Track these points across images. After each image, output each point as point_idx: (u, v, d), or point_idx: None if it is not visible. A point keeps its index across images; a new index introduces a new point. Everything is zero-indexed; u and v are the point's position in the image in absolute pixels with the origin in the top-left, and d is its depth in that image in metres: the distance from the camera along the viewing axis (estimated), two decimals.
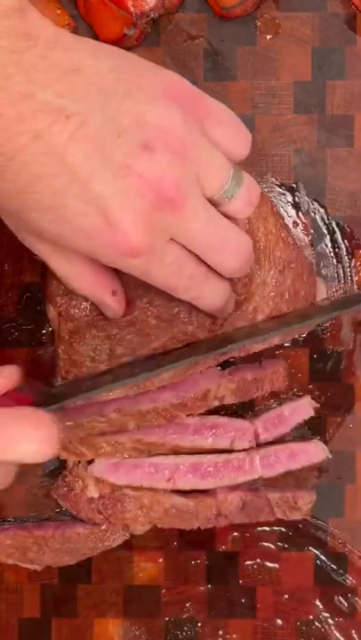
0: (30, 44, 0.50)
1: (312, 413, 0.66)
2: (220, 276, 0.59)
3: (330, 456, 0.66)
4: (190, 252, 0.56)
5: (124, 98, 0.52)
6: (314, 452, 0.65)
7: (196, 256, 0.57)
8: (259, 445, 0.65)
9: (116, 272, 0.60)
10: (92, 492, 0.64)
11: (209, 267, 0.58)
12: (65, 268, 0.59)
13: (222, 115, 0.57)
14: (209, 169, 0.55)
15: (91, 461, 0.64)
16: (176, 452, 0.64)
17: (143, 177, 0.52)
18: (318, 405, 0.66)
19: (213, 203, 0.56)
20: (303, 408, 0.66)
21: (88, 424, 0.63)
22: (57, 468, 0.67)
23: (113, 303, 0.62)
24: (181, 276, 0.57)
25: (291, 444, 0.65)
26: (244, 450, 0.65)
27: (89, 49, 0.52)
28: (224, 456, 0.64)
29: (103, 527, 0.65)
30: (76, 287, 0.60)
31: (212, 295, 0.59)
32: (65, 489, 0.65)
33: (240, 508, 0.65)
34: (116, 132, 0.52)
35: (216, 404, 0.64)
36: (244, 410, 0.67)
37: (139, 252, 0.53)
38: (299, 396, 0.67)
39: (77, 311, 0.64)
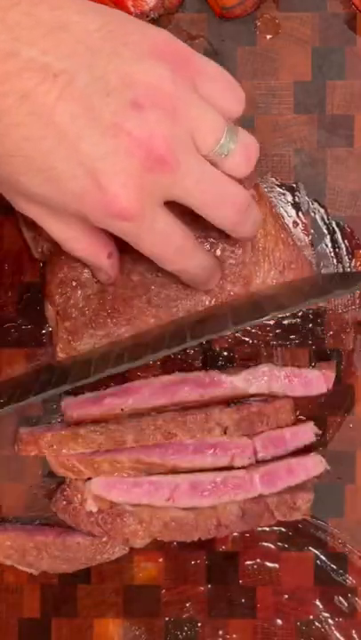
0: (14, 2, 0.49)
1: (313, 439, 0.66)
2: (208, 251, 0.59)
3: (328, 468, 0.65)
4: (181, 223, 0.56)
5: (112, 56, 0.51)
6: (312, 466, 0.65)
7: (192, 223, 0.56)
8: (258, 462, 0.65)
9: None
10: (91, 506, 0.64)
11: (196, 241, 0.57)
12: (59, 230, 0.58)
13: (213, 72, 0.56)
14: (202, 125, 0.54)
15: (90, 477, 0.64)
16: (175, 470, 0.64)
17: (133, 135, 0.51)
18: (321, 432, 0.66)
19: (211, 162, 0.55)
20: (304, 433, 0.66)
21: (86, 437, 0.63)
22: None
23: (108, 267, 0.61)
24: (169, 247, 0.56)
25: (290, 459, 0.65)
26: (243, 467, 0.64)
27: (76, 6, 0.52)
28: (223, 474, 0.64)
29: (104, 539, 0.65)
30: (71, 249, 0.59)
31: (197, 270, 0.59)
32: (64, 502, 0.65)
33: (240, 516, 0.64)
34: (105, 91, 0.51)
35: (217, 431, 0.64)
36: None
37: (129, 214, 0.53)
38: (302, 421, 0.67)
39: (75, 310, 0.64)
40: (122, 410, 0.64)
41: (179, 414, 0.63)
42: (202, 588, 0.68)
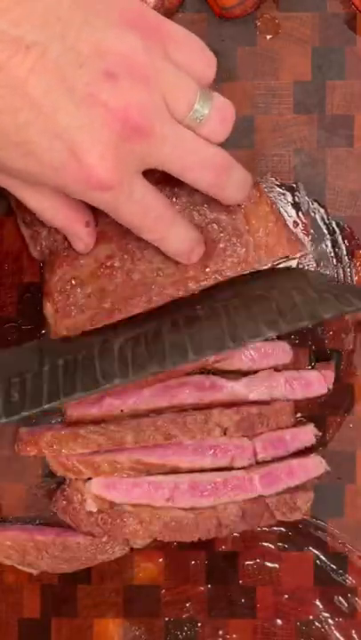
0: None
1: (313, 441, 0.66)
2: (189, 222, 0.58)
3: (328, 469, 0.65)
4: (160, 192, 0.56)
5: (83, 25, 0.51)
6: (313, 467, 0.65)
7: (171, 193, 0.56)
8: (258, 463, 0.65)
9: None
10: (91, 506, 0.64)
11: (176, 211, 0.57)
12: (36, 201, 0.58)
13: (184, 38, 0.56)
14: (175, 91, 0.54)
15: (90, 477, 0.64)
16: (175, 471, 0.64)
17: (108, 106, 0.51)
18: (320, 434, 0.66)
19: (186, 127, 0.55)
20: (305, 435, 0.66)
21: (86, 437, 0.63)
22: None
23: (85, 235, 0.61)
24: (147, 216, 0.56)
25: (290, 460, 0.65)
26: (243, 468, 0.64)
27: None
28: (223, 474, 0.64)
29: (104, 539, 0.65)
30: (48, 219, 0.60)
31: (176, 240, 0.59)
32: (64, 502, 0.65)
33: (240, 516, 0.64)
34: (77, 62, 0.51)
35: (217, 432, 0.64)
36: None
37: (108, 185, 0.53)
38: (302, 422, 0.67)
39: (75, 309, 0.64)
40: (121, 411, 0.64)
41: (178, 415, 0.63)
42: (202, 588, 0.68)
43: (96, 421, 0.64)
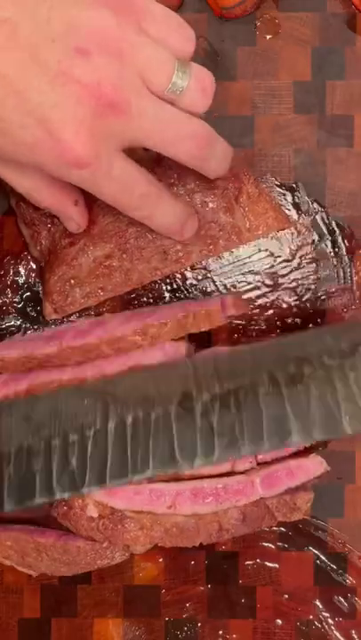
0: None
1: (313, 441, 0.66)
2: (176, 197, 0.58)
3: (328, 469, 0.65)
4: (144, 169, 0.55)
5: (54, 2, 0.51)
6: (313, 467, 0.65)
7: (152, 171, 0.55)
8: (258, 464, 0.65)
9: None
10: (92, 511, 0.64)
11: (162, 187, 0.57)
12: (21, 181, 0.58)
13: (159, 12, 0.55)
14: (152, 64, 0.53)
15: None
16: (176, 478, 0.64)
17: (81, 83, 0.51)
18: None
19: (166, 101, 0.54)
20: None
21: None
22: None
23: (75, 214, 0.61)
24: (132, 194, 0.56)
25: (289, 461, 0.65)
26: (244, 472, 0.64)
27: None
28: (225, 480, 0.64)
29: (104, 544, 0.65)
30: (35, 201, 0.59)
31: (164, 215, 0.58)
32: (64, 507, 0.65)
33: (241, 520, 0.64)
34: (49, 38, 0.51)
35: None
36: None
37: (84, 161, 0.52)
38: None
39: (73, 308, 0.64)
40: None
41: None
42: (202, 588, 0.68)
43: None
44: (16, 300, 0.67)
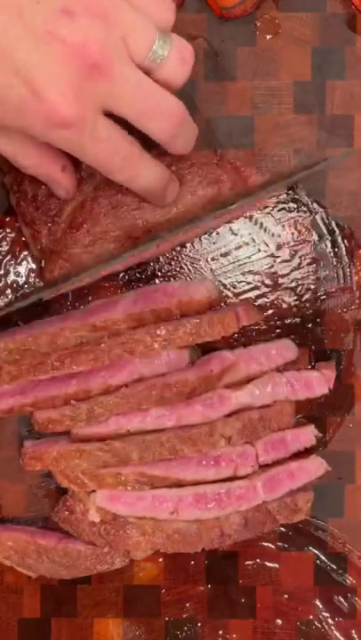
0: None
1: (313, 442, 0.66)
2: (157, 160, 0.58)
3: (329, 469, 0.65)
4: (125, 132, 0.55)
5: None
6: (313, 468, 0.65)
7: (130, 135, 0.56)
8: (260, 466, 0.65)
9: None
10: (93, 516, 0.64)
11: (143, 150, 0.57)
12: (8, 147, 0.58)
13: None
14: (134, 31, 0.54)
15: (93, 490, 0.64)
16: (179, 483, 0.64)
17: (67, 43, 0.52)
18: (321, 435, 0.66)
19: (146, 70, 0.55)
20: (305, 435, 0.65)
21: (91, 454, 0.63)
22: None
23: (63, 179, 0.61)
24: (115, 156, 0.56)
25: (290, 463, 0.65)
26: (246, 476, 0.64)
27: None
28: (227, 485, 0.63)
29: (105, 549, 0.65)
30: (23, 166, 0.59)
31: (147, 176, 0.58)
32: (66, 512, 0.65)
33: (243, 525, 0.64)
34: (34, 0, 0.51)
35: (223, 443, 0.63)
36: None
37: (70, 121, 0.53)
38: (303, 424, 0.66)
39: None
40: (128, 431, 0.64)
41: (182, 429, 0.63)
42: (202, 588, 0.68)
43: (102, 438, 0.64)
44: (16, 300, 0.67)
